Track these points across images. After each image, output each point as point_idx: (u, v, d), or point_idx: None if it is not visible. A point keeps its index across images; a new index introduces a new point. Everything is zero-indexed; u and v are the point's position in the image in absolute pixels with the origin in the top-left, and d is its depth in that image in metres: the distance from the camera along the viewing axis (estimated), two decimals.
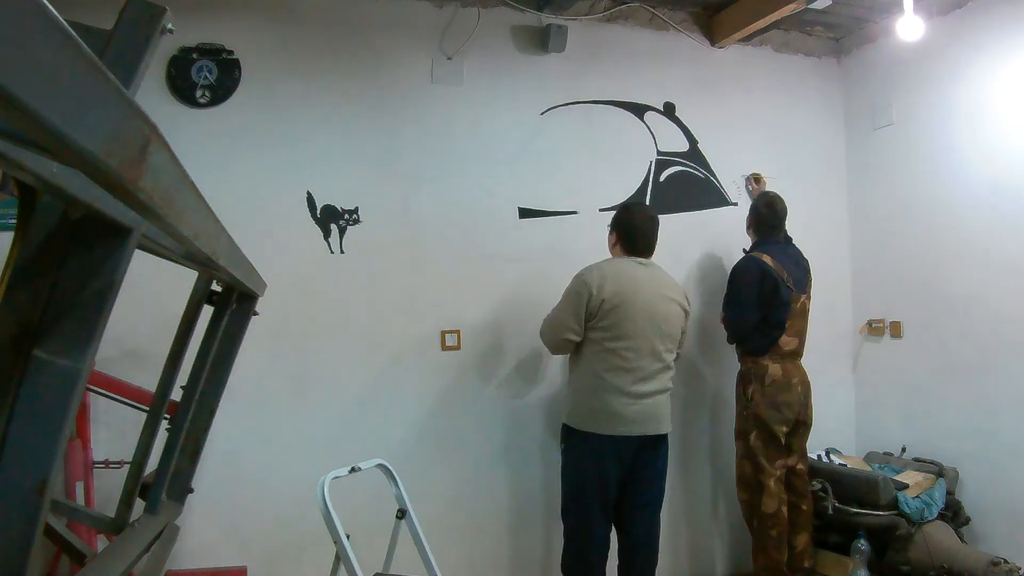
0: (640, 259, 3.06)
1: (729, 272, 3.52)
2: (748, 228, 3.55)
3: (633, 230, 3.08)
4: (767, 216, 3.46)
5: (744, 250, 3.51)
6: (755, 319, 3.34)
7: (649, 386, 2.96)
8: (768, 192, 3.54)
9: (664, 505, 3.66)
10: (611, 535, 3.06)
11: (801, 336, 3.40)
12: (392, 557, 2.64)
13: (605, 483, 2.96)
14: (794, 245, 3.51)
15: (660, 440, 3.03)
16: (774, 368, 3.32)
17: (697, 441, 3.75)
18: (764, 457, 3.31)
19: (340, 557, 2.28)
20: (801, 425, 3.38)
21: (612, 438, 2.92)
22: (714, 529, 3.78)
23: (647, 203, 3.69)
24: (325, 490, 2.28)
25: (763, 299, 3.32)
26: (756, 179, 3.79)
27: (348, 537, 2.27)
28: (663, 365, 3.00)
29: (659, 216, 3.73)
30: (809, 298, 3.45)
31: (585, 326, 2.97)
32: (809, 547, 3.39)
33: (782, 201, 3.48)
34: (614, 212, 3.23)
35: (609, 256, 3.13)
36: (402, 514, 2.58)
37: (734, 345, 3.52)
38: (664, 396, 3.02)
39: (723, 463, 3.71)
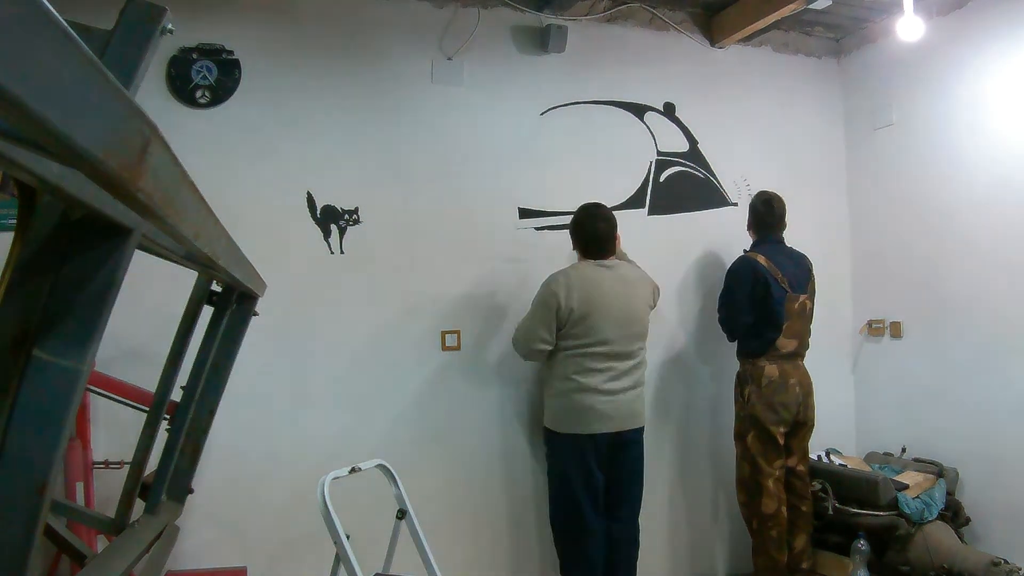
0: (603, 261, 3.11)
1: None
2: (748, 228, 3.56)
3: (587, 237, 3.13)
4: (764, 214, 3.46)
5: (744, 250, 3.51)
6: (748, 320, 3.35)
7: (622, 383, 3.04)
8: (765, 191, 3.53)
9: (664, 505, 3.67)
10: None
11: (801, 337, 3.39)
12: (392, 557, 2.64)
13: (591, 480, 3.03)
14: (787, 246, 3.49)
15: (636, 435, 3.11)
16: (771, 369, 3.32)
17: (697, 442, 3.75)
18: (762, 458, 3.31)
19: (340, 557, 2.28)
20: (801, 426, 3.37)
21: (591, 436, 3.01)
22: (714, 529, 3.78)
23: (648, 202, 3.70)
24: (325, 490, 2.28)
25: (755, 300, 3.33)
26: None
27: (348, 537, 2.27)
28: (634, 363, 3.08)
29: (659, 216, 3.75)
30: (811, 298, 3.44)
31: (556, 335, 3.03)
32: (808, 548, 3.39)
33: (780, 199, 3.48)
34: (572, 219, 3.23)
35: (574, 261, 3.19)
36: (402, 514, 2.58)
37: (734, 345, 3.52)
38: (637, 391, 3.10)
39: (723, 464, 3.71)
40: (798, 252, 3.48)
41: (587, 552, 3.04)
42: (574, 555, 3.07)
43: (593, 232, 3.12)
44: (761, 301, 3.32)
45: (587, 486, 3.03)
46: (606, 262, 3.11)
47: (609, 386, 3.01)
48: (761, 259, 3.35)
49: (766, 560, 3.32)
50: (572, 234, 3.20)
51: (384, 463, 2.59)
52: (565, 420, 3.05)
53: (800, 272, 3.42)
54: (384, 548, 2.63)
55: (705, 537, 3.77)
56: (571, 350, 3.02)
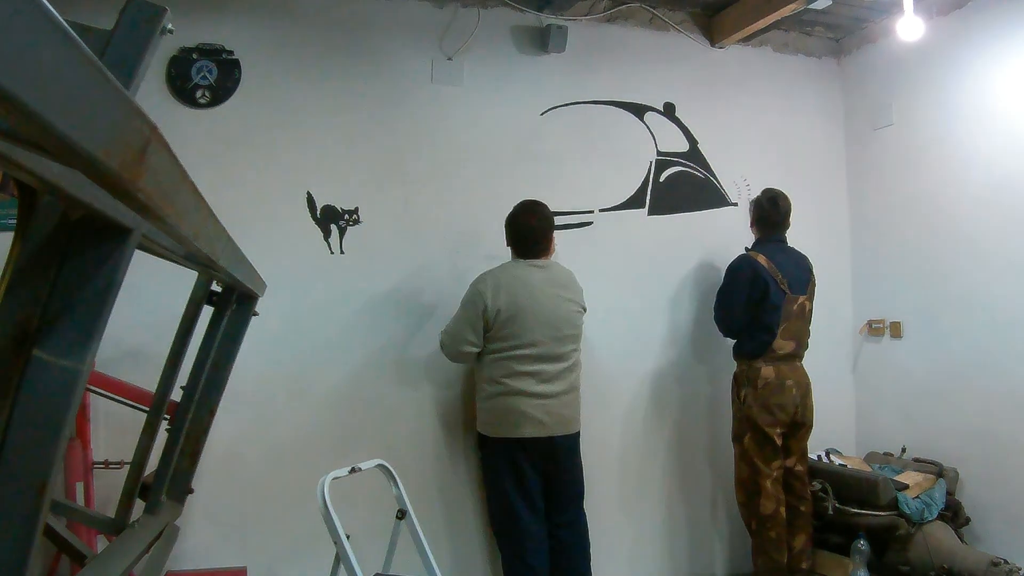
0: (535, 261, 3.02)
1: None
2: (751, 225, 3.54)
3: (520, 234, 3.03)
4: (770, 212, 3.43)
5: (746, 248, 3.50)
6: (742, 319, 3.35)
7: (554, 387, 2.95)
8: (772, 188, 3.49)
9: (662, 506, 3.67)
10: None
11: (799, 339, 3.37)
12: (392, 557, 2.64)
13: (526, 486, 2.95)
14: (789, 245, 3.47)
15: (571, 442, 3.02)
16: (767, 370, 3.30)
17: (695, 442, 3.75)
18: (759, 459, 3.30)
19: (340, 557, 2.28)
20: (800, 427, 3.36)
21: (521, 441, 2.92)
22: (713, 530, 3.78)
23: (648, 202, 3.70)
24: (325, 490, 2.28)
25: (752, 301, 3.31)
26: None
27: (348, 537, 2.27)
28: (566, 365, 2.99)
29: (659, 216, 3.74)
30: (810, 299, 3.42)
31: (484, 336, 2.96)
32: (808, 548, 3.38)
33: (786, 198, 3.44)
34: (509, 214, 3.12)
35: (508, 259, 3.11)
36: (402, 514, 2.58)
37: (732, 345, 3.51)
38: (571, 396, 3.01)
39: (722, 464, 3.71)
40: (799, 252, 3.47)
41: (526, 559, 2.93)
42: (514, 562, 2.98)
43: (527, 229, 3.02)
44: (758, 303, 3.31)
45: (521, 490, 2.95)
46: (538, 262, 3.02)
47: (539, 389, 2.92)
48: (761, 259, 3.34)
49: (766, 561, 3.32)
50: (505, 230, 3.10)
51: (384, 463, 2.59)
52: (495, 424, 2.97)
53: (800, 273, 3.40)
54: (384, 548, 2.63)
55: (704, 537, 3.76)
56: (499, 352, 2.94)
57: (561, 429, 2.97)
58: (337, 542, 2.27)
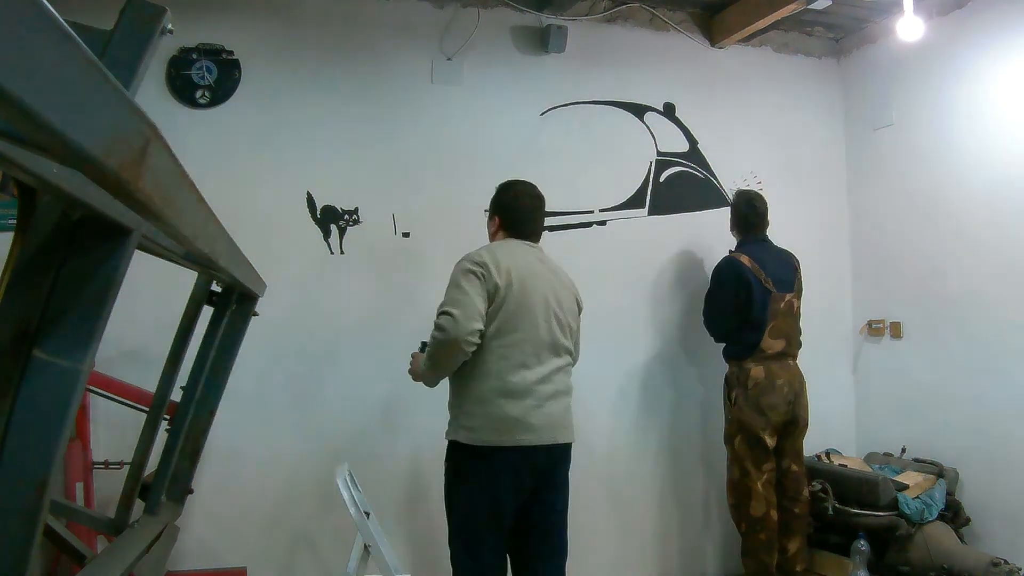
0: (529, 242, 2.59)
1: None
2: (732, 228, 3.54)
3: (518, 210, 2.60)
4: (748, 214, 3.45)
5: (729, 250, 3.49)
6: (731, 321, 3.34)
7: (552, 386, 2.45)
8: (746, 190, 3.53)
9: (656, 508, 3.63)
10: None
11: (789, 337, 3.35)
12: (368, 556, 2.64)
13: (501, 506, 2.39)
14: (773, 244, 3.45)
15: (565, 453, 2.52)
16: (756, 371, 3.29)
17: (688, 444, 3.74)
18: (749, 461, 3.28)
19: (361, 534, 2.29)
20: (792, 426, 3.34)
21: (514, 450, 2.37)
22: (705, 531, 3.77)
23: (648, 202, 3.69)
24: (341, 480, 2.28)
25: (738, 301, 3.31)
26: None
27: (368, 515, 2.26)
28: (564, 362, 2.52)
29: (659, 216, 3.74)
30: (798, 297, 3.41)
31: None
32: (803, 551, 3.36)
33: (762, 198, 3.47)
34: (494, 193, 2.71)
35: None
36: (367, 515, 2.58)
37: (722, 348, 3.50)
38: (567, 399, 2.53)
39: (714, 466, 3.69)
40: (784, 250, 3.46)
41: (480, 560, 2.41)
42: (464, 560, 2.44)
43: (526, 205, 2.62)
44: (744, 303, 3.30)
45: (492, 512, 2.39)
46: (532, 244, 2.61)
47: (538, 389, 2.42)
48: (745, 259, 3.33)
49: (755, 563, 3.29)
50: (496, 212, 2.65)
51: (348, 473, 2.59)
52: (484, 430, 2.40)
53: (785, 271, 3.38)
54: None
55: (696, 538, 3.75)
56: (495, 338, 2.40)
57: (558, 436, 2.47)
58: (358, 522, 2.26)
